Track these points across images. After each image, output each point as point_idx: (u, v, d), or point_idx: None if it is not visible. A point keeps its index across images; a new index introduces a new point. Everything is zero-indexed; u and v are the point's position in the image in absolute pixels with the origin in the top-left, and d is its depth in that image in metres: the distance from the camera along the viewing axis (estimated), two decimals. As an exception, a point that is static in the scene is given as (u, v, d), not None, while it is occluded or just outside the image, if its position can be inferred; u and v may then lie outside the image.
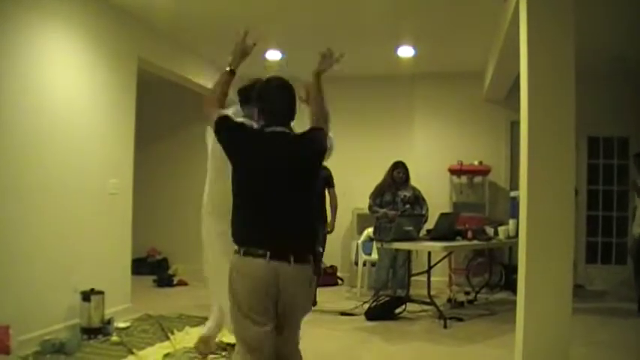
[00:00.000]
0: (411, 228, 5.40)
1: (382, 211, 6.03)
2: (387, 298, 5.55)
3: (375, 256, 6.46)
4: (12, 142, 3.79)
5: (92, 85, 4.65)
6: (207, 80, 6.26)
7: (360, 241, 6.76)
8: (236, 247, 2.38)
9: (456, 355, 4.16)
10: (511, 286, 6.16)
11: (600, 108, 6.60)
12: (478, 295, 6.31)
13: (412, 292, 5.57)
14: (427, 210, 6.10)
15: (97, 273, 4.53)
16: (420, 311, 5.42)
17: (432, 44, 6.05)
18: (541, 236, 3.23)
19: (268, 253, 2.28)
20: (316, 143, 2.46)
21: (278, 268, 2.29)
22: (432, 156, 7.26)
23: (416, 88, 7.43)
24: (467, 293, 6.39)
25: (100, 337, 4.21)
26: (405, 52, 6.28)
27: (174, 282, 6.97)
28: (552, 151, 3.26)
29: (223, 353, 3.81)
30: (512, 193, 6.53)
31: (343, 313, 5.45)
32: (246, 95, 3.37)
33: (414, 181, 6.30)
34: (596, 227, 7.09)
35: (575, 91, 3.27)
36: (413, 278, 5.64)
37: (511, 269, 6.34)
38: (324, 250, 5.99)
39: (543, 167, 3.25)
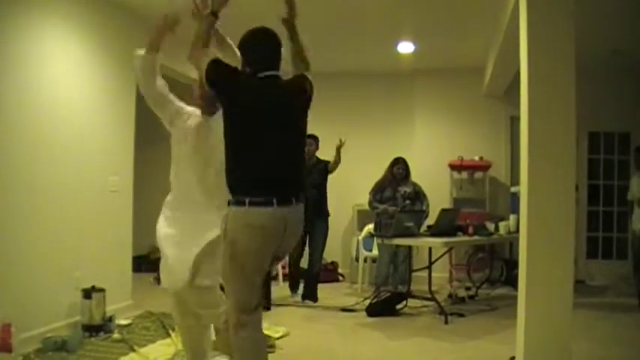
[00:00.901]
0: (411, 224, 5.39)
1: (382, 207, 6.03)
2: (387, 294, 5.56)
3: (375, 252, 6.46)
4: (12, 141, 3.78)
5: (92, 83, 4.64)
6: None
7: (360, 238, 6.76)
8: (234, 200, 2.31)
9: (457, 350, 4.16)
10: (512, 281, 6.18)
11: (601, 103, 6.59)
12: (479, 291, 6.32)
13: (413, 287, 5.59)
14: (428, 206, 6.09)
15: (98, 270, 4.53)
16: (421, 307, 5.43)
17: (432, 40, 6.04)
18: (542, 231, 3.22)
19: (275, 200, 2.26)
20: (306, 86, 2.53)
21: (285, 214, 2.30)
22: (433, 152, 7.25)
23: (416, 83, 7.42)
24: (468, 289, 6.39)
25: (101, 334, 4.21)
26: (405, 47, 6.28)
27: (175, 279, 6.96)
28: (553, 147, 3.24)
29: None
30: (513, 189, 6.53)
31: (344, 309, 5.45)
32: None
33: (414, 177, 6.29)
34: (596, 222, 7.10)
35: (575, 85, 3.26)
36: (414, 274, 5.65)
37: (512, 265, 6.35)
38: (324, 248, 6.00)
39: (544, 162, 3.24)
